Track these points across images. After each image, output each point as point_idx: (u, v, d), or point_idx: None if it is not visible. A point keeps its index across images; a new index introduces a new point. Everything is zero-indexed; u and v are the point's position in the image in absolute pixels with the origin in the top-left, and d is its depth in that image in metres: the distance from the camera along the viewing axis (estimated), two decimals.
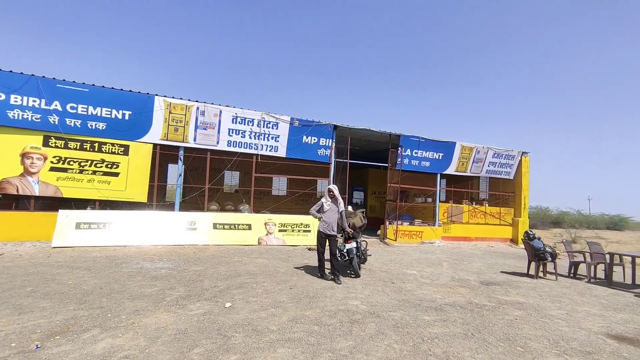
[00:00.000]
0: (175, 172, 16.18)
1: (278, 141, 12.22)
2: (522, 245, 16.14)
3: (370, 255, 8.76)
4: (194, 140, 11.09)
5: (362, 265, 8.77)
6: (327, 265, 7.85)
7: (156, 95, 10.59)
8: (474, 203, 17.00)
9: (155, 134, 10.62)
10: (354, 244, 7.73)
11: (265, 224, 11.73)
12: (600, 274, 9.32)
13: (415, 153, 14.72)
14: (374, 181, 20.95)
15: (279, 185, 18.48)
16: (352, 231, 7.94)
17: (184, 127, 10.95)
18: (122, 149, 10.22)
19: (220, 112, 11.36)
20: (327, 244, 7.36)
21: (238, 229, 11.33)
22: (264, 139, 12.01)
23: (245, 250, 10.28)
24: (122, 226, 9.98)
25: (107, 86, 10.17)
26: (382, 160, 18.53)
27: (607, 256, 8.82)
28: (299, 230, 12.08)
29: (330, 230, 7.27)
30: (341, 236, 7.87)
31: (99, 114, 9.97)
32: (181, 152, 11.08)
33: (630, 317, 5.71)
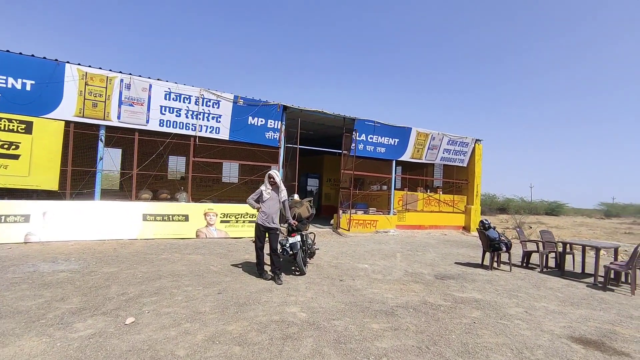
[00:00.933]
0: (113, 157, 14.40)
1: (220, 122, 10.93)
2: (475, 234, 16.19)
3: (318, 249, 7.97)
4: (118, 118, 9.53)
5: (308, 260, 7.93)
6: (268, 262, 6.88)
7: (67, 62, 8.87)
8: (428, 191, 16.76)
9: (68, 109, 8.94)
10: (298, 238, 6.83)
11: (205, 214, 10.50)
12: (551, 262, 9.18)
13: (371, 138, 14.03)
14: (330, 168, 20.17)
15: (230, 171, 17.07)
16: (297, 223, 7.03)
17: (105, 102, 9.35)
18: (23, 126, 8.46)
19: (150, 86, 9.85)
20: (267, 237, 6.39)
21: (173, 220, 10.02)
22: (203, 119, 10.67)
23: (178, 245, 9.04)
24: (23, 219, 8.33)
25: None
26: (338, 146, 17.72)
27: (560, 245, 8.63)
28: (243, 221, 10.97)
29: (271, 223, 6.30)
30: (286, 228, 6.94)
31: None
32: (102, 132, 9.48)
33: (588, 314, 5.32)
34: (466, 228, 16.84)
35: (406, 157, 15.11)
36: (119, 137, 9.84)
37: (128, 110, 9.63)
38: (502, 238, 8.39)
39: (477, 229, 9.78)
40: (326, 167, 20.25)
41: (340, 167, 13.74)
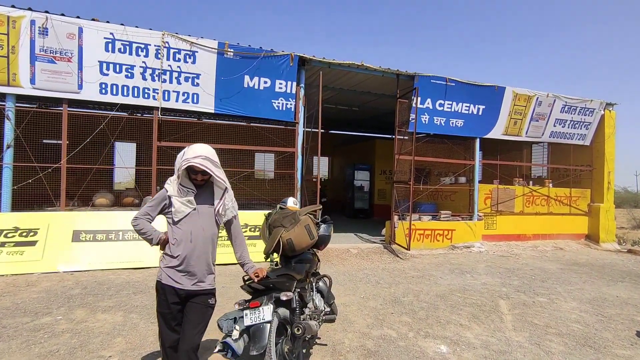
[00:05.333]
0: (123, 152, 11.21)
1: (198, 85, 7.09)
2: (611, 246, 10.55)
3: (335, 316, 3.68)
4: (32, 82, 6.12)
5: (316, 340, 3.72)
6: None
7: None
8: (531, 183, 11.40)
9: None
10: (269, 312, 2.67)
11: None
12: None
13: (440, 105, 9.25)
14: (384, 157, 15.47)
15: (223, 159, 13.23)
16: (275, 268, 3.00)
17: (8, 57, 5.98)
18: None
19: (81, 30, 6.31)
20: (186, 315, 2.38)
21: (124, 239, 6.41)
22: (171, 81, 6.92)
23: (117, 284, 5.38)
24: None
25: None
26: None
27: None
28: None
29: (193, 278, 2.45)
30: (245, 284, 2.87)
31: None
32: (9, 104, 6.15)
33: None
34: (592, 237, 11.20)
35: (496, 132, 10.03)
36: (38, 112, 6.41)
37: (47, 69, 6.18)
38: None
39: None
40: (379, 155, 15.61)
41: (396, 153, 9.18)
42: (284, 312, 2.87)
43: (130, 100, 6.67)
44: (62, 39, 6.19)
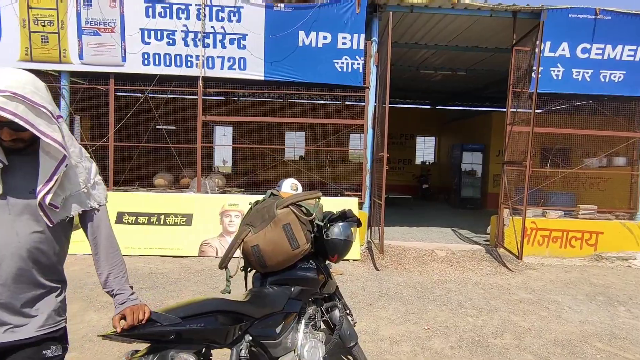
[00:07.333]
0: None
1: (245, 47, 6.01)
2: None
3: None
4: (80, 57, 5.92)
5: None
6: None
7: None
8: None
9: (9, 51, 5.84)
10: None
11: (223, 213, 5.94)
12: None
13: (585, 52, 6.32)
14: (501, 135, 12.34)
15: (295, 141, 11.75)
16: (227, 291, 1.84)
17: (59, 32, 5.85)
18: None
19: None
20: None
21: (166, 223, 5.88)
22: (214, 46, 6.01)
23: (157, 272, 4.85)
24: None
25: None
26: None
27: None
28: None
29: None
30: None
31: None
32: (64, 81, 6.09)
33: None
34: None
35: None
36: (88, 88, 6.22)
37: (93, 43, 5.89)
38: None
39: None
40: (496, 132, 12.46)
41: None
42: None
43: (172, 71, 6.01)
44: (104, 9, 5.81)
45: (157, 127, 6.31)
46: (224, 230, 5.88)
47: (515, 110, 6.62)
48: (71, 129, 6.32)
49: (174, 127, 6.95)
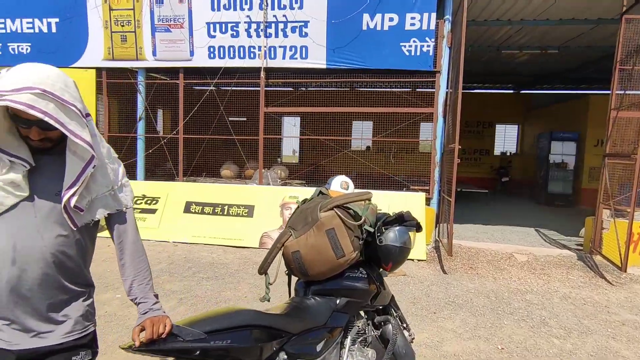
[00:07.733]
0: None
1: (307, 35, 5.81)
2: None
3: None
4: (154, 54, 6.23)
5: None
6: None
7: None
8: None
9: (95, 51, 6.36)
10: None
11: (283, 205, 5.92)
12: None
13: None
14: (603, 121, 10.60)
15: (362, 131, 11.08)
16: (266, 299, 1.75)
17: (135, 31, 6.22)
18: None
19: None
20: None
21: (229, 213, 6.02)
22: (276, 35, 5.90)
23: (218, 262, 5.02)
24: None
25: None
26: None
27: None
28: None
29: (24, 326, 1.24)
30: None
31: (19, 29, 6.47)
32: (140, 78, 6.48)
33: None
34: None
35: None
36: (161, 83, 6.55)
37: (165, 39, 6.16)
38: None
39: None
40: (593, 118, 10.75)
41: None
42: None
43: (235, 63, 6.05)
44: (174, 5, 6.02)
45: (229, 118, 6.45)
46: (284, 222, 5.85)
47: (622, 92, 5.53)
48: (149, 123, 6.74)
49: (244, 119, 7.05)
